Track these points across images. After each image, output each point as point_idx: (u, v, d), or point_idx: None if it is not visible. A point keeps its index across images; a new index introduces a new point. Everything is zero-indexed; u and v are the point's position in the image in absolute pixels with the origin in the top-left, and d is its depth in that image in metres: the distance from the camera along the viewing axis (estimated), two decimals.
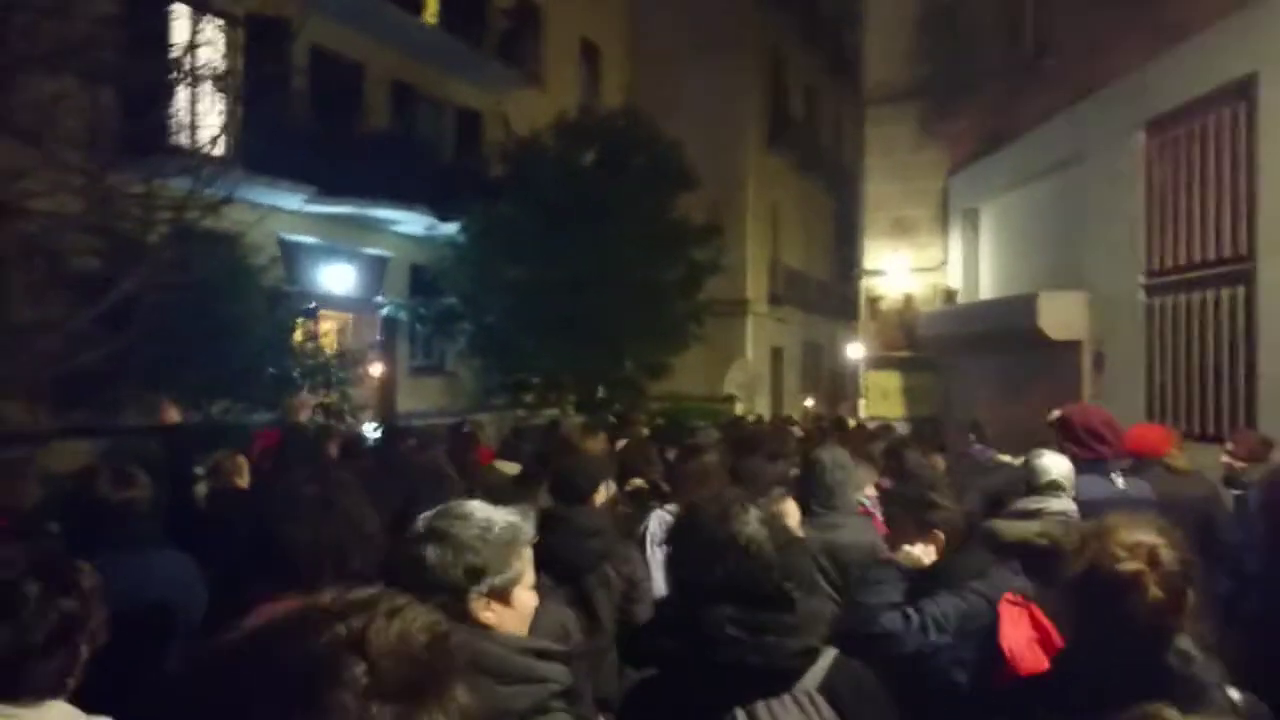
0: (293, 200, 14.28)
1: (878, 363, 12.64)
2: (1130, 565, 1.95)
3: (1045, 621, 2.47)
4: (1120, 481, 4.19)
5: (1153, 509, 3.41)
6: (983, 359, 10.76)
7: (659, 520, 4.60)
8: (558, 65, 22.05)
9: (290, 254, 14.79)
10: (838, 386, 33.76)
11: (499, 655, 1.88)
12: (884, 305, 12.54)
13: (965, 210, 11.91)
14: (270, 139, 13.69)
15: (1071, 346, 8.82)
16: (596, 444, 7.37)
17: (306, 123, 14.63)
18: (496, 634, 1.95)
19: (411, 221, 16.34)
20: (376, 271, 16.60)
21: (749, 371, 25.78)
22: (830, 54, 30.49)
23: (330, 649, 0.87)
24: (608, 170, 16.59)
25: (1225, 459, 5.53)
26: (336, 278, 15.54)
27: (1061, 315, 8.71)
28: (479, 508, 2.06)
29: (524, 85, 19.94)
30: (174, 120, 11.92)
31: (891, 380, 12.51)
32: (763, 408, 25.78)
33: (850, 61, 32.07)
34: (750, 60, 25.55)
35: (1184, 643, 2.03)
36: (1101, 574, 1.97)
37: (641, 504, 5.21)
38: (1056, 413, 4.59)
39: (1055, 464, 3.95)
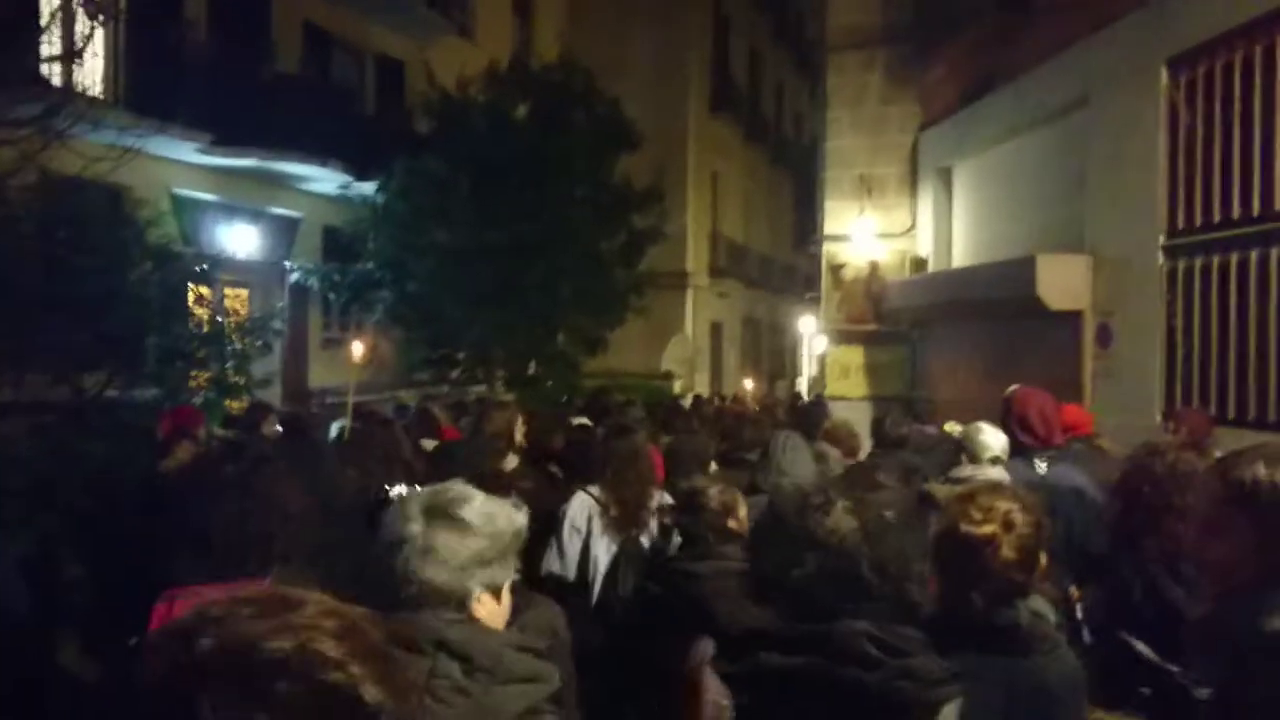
0: (185, 149, 12.65)
1: (839, 337, 11.54)
2: (985, 528, 2.15)
3: None
4: (1043, 467, 4.26)
5: (1069, 494, 3.96)
6: (962, 333, 9.72)
7: (580, 503, 4.36)
8: (488, 16, 20.54)
9: (185, 211, 13.18)
10: (778, 364, 32.96)
11: (497, 652, 1.77)
12: (847, 274, 11.41)
13: (938, 169, 10.84)
14: (159, 78, 12.09)
15: (1070, 317, 7.79)
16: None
17: (203, 63, 12.99)
18: (495, 630, 1.89)
19: (324, 178, 14.78)
20: (285, 233, 15.00)
21: (688, 347, 24.76)
22: (776, 16, 29.43)
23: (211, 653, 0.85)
24: (544, 126, 15.24)
25: (1170, 439, 4.79)
26: (239, 239, 13.94)
27: (1062, 281, 7.66)
28: (478, 495, 1.95)
29: (451, 34, 18.39)
30: (38, 49, 10.28)
31: (854, 356, 11.43)
32: (701, 385, 24.80)
33: (796, 24, 31.29)
34: (693, 18, 24.28)
35: (1037, 602, 2.27)
36: (958, 535, 2.16)
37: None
38: (1011, 389, 4.62)
39: (995, 439, 4.20)
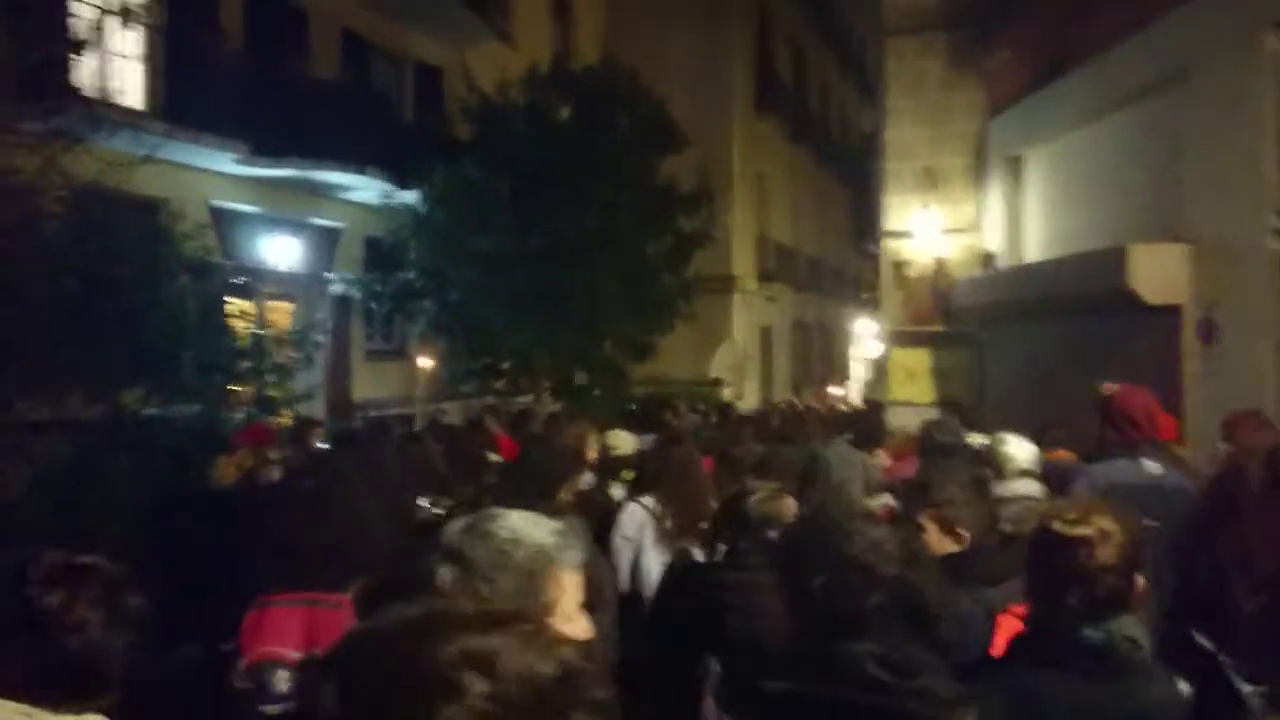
0: (222, 160, 12.38)
1: (903, 339, 10.93)
2: (1079, 529, 2.08)
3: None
4: (1155, 467, 4.04)
5: (1186, 497, 3.81)
6: (1038, 332, 9.06)
7: (631, 513, 4.33)
8: (526, 19, 20.17)
9: (223, 223, 12.90)
10: (830, 369, 32.25)
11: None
12: (910, 272, 10.80)
13: (1007, 158, 10.20)
14: (196, 88, 11.84)
15: (1165, 312, 7.14)
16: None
17: (240, 73, 12.73)
18: None
19: (365, 188, 14.45)
20: (326, 244, 14.70)
21: (738, 353, 24.18)
22: (820, 15, 28.82)
23: (454, 661, 0.90)
24: (586, 129, 14.79)
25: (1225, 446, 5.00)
26: (279, 251, 13.65)
27: (1158, 272, 7.01)
28: (508, 524, 1.83)
29: (490, 39, 18.04)
30: (78, 61, 10.09)
31: (919, 359, 10.81)
32: (751, 392, 24.23)
33: (840, 22, 30.63)
34: (736, 17, 23.74)
35: (1131, 629, 2.11)
36: (1050, 534, 2.11)
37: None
38: (1107, 387, 4.39)
39: (1021, 451, 4.02)
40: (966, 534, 3.01)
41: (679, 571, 3.83)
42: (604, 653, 3.11)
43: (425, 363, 14.41)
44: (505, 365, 15.70)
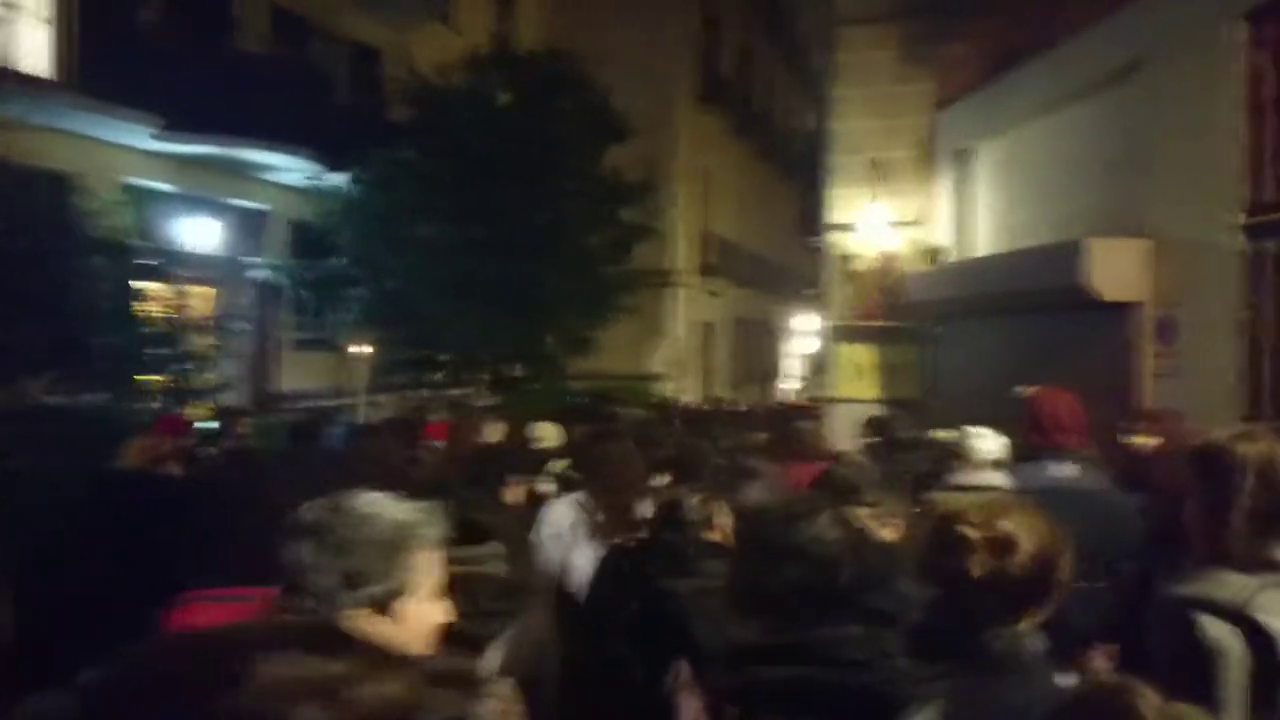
0: (138, 135, 11.67)
1: (850, 334, 10.67)
2: (969, 531, 1.98)
3: None
4: (1070, 470, 4.08)
5: (1104, 500, 3.87)
6: (991, 328, 8.84)
7: (559, 510, 4.22)
8: (469, 3, 19.58)
9: (139, 202, 12.14)
10: (771, 365, 32.13)
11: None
12: (858, 266, 10.54)
13: (957, 151, 9.98)
14: (113, 59, 11.12)
15: (1124, 310, 6.93)
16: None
17: (161, 43, 12.03)
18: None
19: (294, 169, 13.80)
20: (250, 227, 14.01)
21: (678, 349, 23.90)
22: (766, 8, 28.65)
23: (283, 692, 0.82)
24: (529, 115, 14.32)
25: (1138, 439, 5.20)
26: (200, 233, 12.96)
27: (1117, 269, 6.79)
28: (368, 501, 1.79)
29: (431, 21, 17.44)
30: None
31: (867, 355, 10.56)
32: (692, 388, 23.96)
33: (787, 17, 30.50)
34: (681, 8, 23.41)
35: (1027, 628, 2.04)
36: (942, 535, 2.04)
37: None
38: (1027, 390, 4.43)
39: (992, 443, 3.99)
40: (900, 524, 3.17)
41: (627, 578, 3.64)
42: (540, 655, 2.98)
43: (361, 352, 13.82)
44: (442, 357, 15.19)
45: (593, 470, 4.37)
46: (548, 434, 6.94)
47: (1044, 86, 8.34)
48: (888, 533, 3.14)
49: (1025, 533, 2.01)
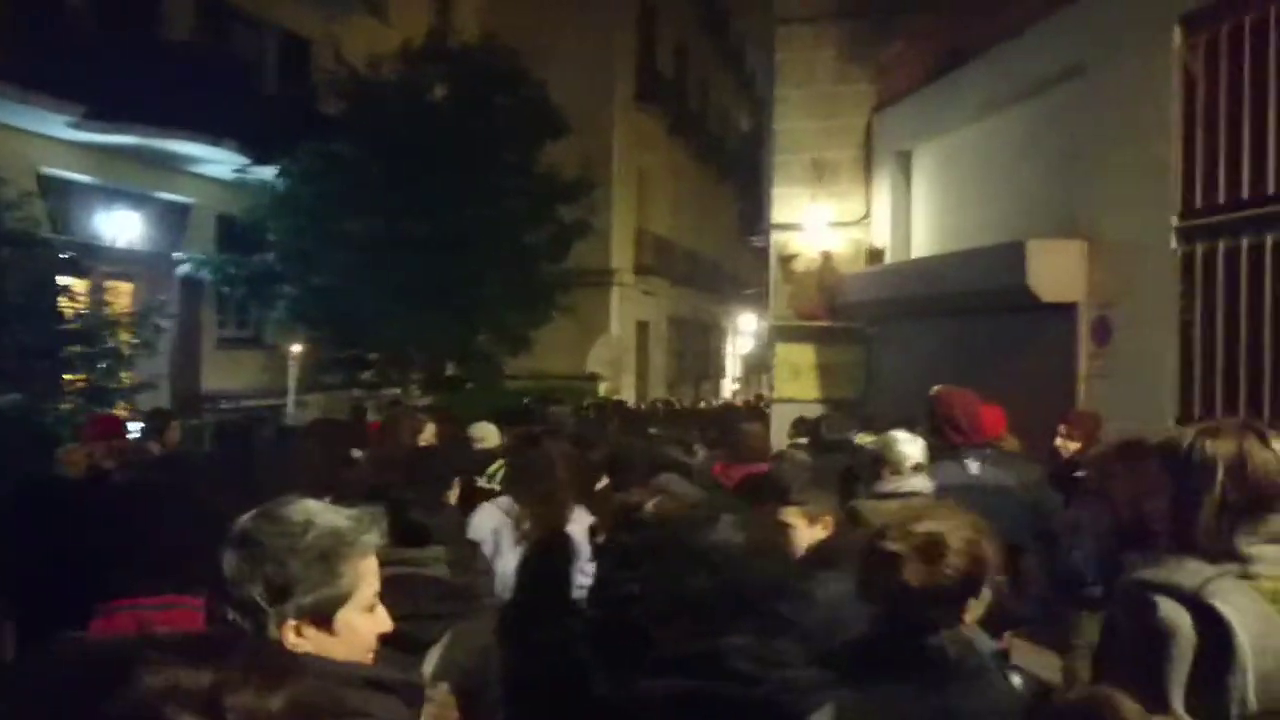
0: (54, 123, 11.17)
1: (789, 334, 10.65)
2: (898, 546, 2.05)
3: None
4: (974, 468, 4.25)
5: (1007, 495, 4.13)
6: (929, 329, 8.87)
7: (484, 514, 4.07)
8: None
9: (54, 193, 11.65)
10: (707, 364, 32.19)
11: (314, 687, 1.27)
12: (798, 266, 10.52)
13: (896, 153, 10.01)
14: (28, 43, 10.62)
15: (1063, 310, 6.98)
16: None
17: (81, 29, 11.53)
18: (311, 659, 1.55)
19: (219, 160, 13.37)
20: (174, 221, 13.52)
21: (615, 348, 23.78)
22: (703, 7, 28.67)
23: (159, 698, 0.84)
24: (464, 109, 14.08)
25: (1060, 441, 5.55)
26: (120, 226, 12.46)
27: (1055, 270, 6.84)
28: (301, 509, 1.70)
29: (362, 12, 17.05)
30: None
31: (806, 355, 10.55)
32: (628, 387, 23.87)
33: (723, 17, 30.56)
34: (622, 7, 23.33)
35: (970, 631, 2.12)
36: (873, 552, 2.10)
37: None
38: (935, 388, 4.58)
39: (914, 447, 3.99)
40: (831, 520, 3.21)
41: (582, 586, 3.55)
42: (483, 660, 2.97)
43: (290, 350, 13.44)
44: (373, 356, 14.87)
45: (520, 474, 4.28)
46: (488, 434, 6.81)
47: (983, 88, 8.39)
48: (818, 531, 3.18)
49: (951, 533, 2.08)
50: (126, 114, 11.59)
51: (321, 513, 1.72)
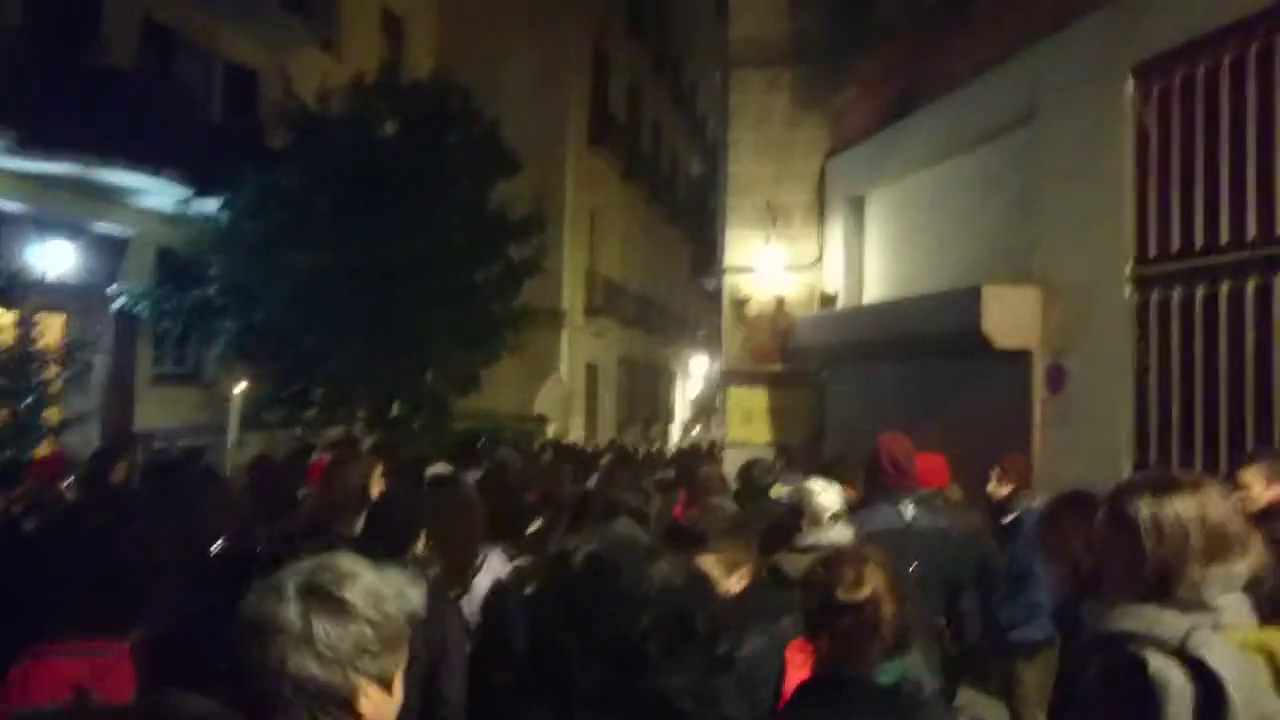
0: None
1: (742, 378, 10.55)
2: (858, 594, 2.25)
3: None
4: (910, 512, 4.33)
5: (942, 539, 4.30)
6: (882, 374, 8.82)
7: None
8: (354, 31, 19.08)
9: None
10: (656, 407, 32.05)
11: None
12: (751, 309, 10.45)
13: (849, 198, 10.03)
14: None
15: (1017, 356, 6.96)
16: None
17: (16, 53, 11.17)
18: None
19: (159, 192, 12.99)
20: (110, 253, 13.10)
21: (564, 389, 23.56)
22: (654, 52, 28.93)
23: None
24: (415, 145, 13.89)
25: (991, 486, 5.72)
26: (53, 258, 12.02)
27: (1010, 316, 6.82)
28: (362, 566, 1.66)
29: (313, 45, 16.87)
30: None
31: (758, 399, 10.45)
32: (576, 429, 23.63)
33: (674, 61, 30.86)
34: (574, 49, 23.39)
35: (916, 670, 2.47)
36: (834, 602, 2.25)
37: None
38: (879, 435, 4.68)
39: (831, 497, 4.04)
40: (749, 570, 3.23)
41: (517, 629, 3.56)
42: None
43: (230, 387, 13.03)
44: (317, 393, 14.48)
45: (431, 521, 4.04)
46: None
47: (936, 135, 8.43)
48: (734, 581, 3.16)
49: (872, 579, 2.28)
50: (63, 142, 11.22)
51: (380, 573, 1.69)
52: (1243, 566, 1.89)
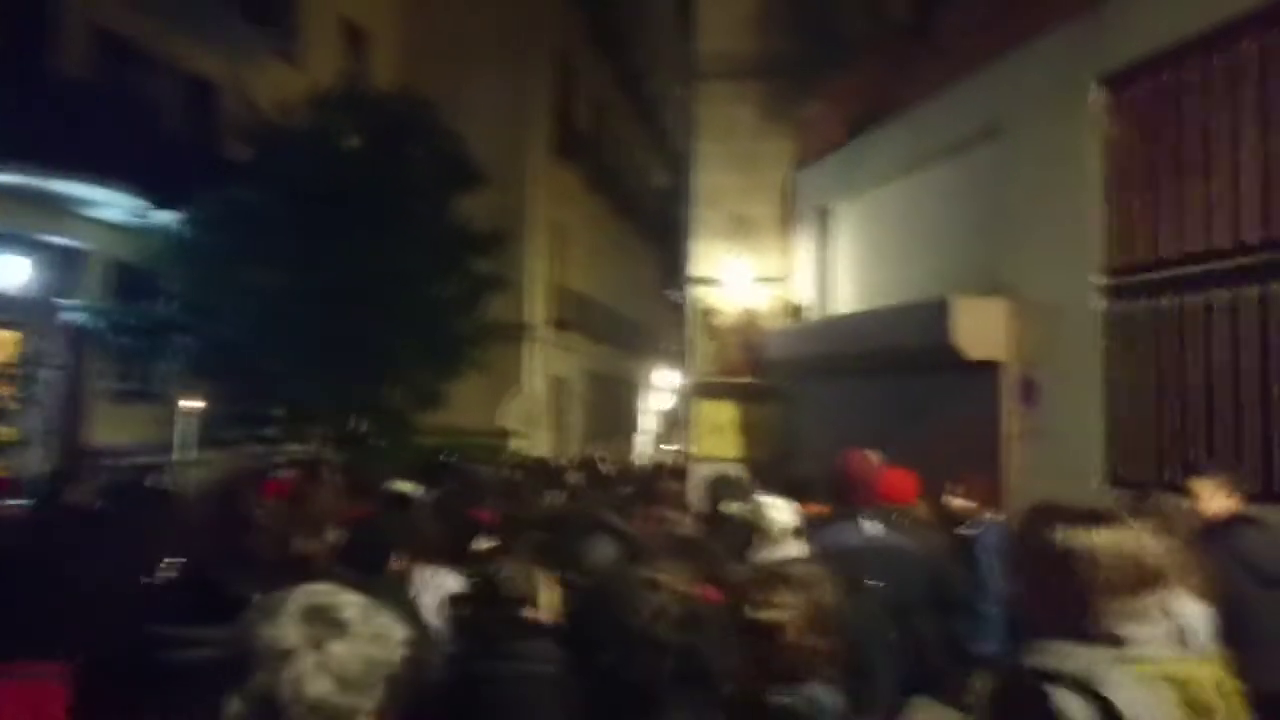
0: None
1: (710, 391, 10.46)
2: (766, 614, 2.35)
3: None
4: (870, 529, 4.37)
5: (900, 556, 4.31)
6: (856, 387, 8.75)
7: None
8: (316, 43, 18.85)
9: None
10: (624, 422, 31.88)
11: None
12: (719, 321, 10.37)
13: (816, 210, 10.00)
14: None
15: (987, 369, 6.92)
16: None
17: None
18: None
19: (115, 204, 12.70)
20: (64, 266, 12.77)
21: (530, 404, 23.36)
22: (619, 66, 28.92)
23: None
24: (378, 159, 13.70)
25: (957, 501, 5.80)
26: (3, 272, 11.70)
27: (983, 328, 6.78)
28: (352, 594, 1.62)
29: (274, 58, 16.64)
30: None
31: (726, 413, 10.35)
32: (543, 444, 23.43)
33: (639, 76, 30.86)
34: (539, 62, 23.30)
35: (818, 693, 2.39)
36: (743, 620, 2.36)
37: None
38: (842, 452, 4.74)
39: (785, 514, 4.08)
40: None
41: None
42: None
43: (188, 405, 12.74)
44: (278, 411, 14.21)
45: (406, 539, 4.20)
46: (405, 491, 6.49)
47: (903, 147, 8.41)
48: None
49: (784, 602, 2.34)
50: (13, 153, 10.93)
51: (380, 609, 1.66)
52: (1160, 599, 1.92)
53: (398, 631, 1.64)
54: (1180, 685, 1.93)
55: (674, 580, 2.37)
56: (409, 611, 3.71)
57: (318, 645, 1.52)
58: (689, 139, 11.01)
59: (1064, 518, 1.99)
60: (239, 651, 1.52)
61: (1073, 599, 1.90)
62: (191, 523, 5.23)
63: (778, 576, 2.55)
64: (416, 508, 4.63)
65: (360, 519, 4.75)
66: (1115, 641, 1.90)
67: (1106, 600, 1.90)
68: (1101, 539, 1.92)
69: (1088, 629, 1.89)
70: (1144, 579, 1.92)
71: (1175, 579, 1.99)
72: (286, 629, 1.52)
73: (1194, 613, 3.13)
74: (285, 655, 1.49)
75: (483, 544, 5.14)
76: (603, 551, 4.43)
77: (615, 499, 8.02)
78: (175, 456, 12.89)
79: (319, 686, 1.49)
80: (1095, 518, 1.97)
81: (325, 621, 1.54)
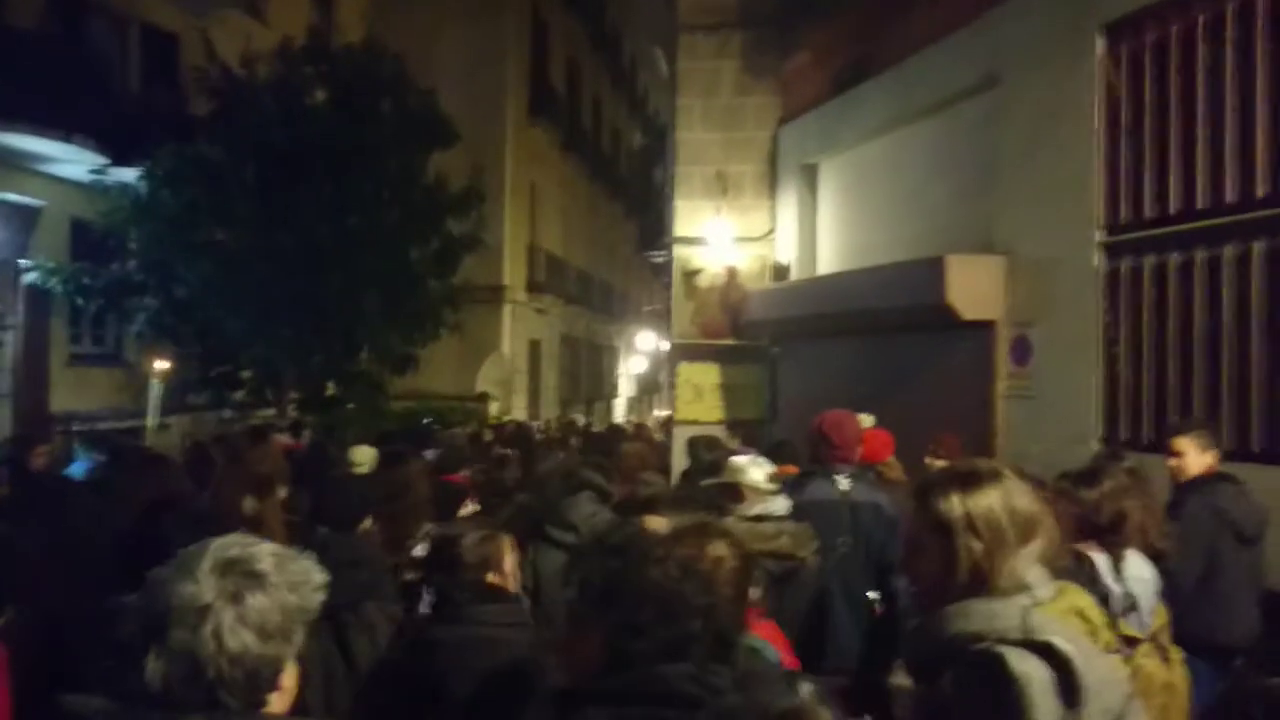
0: None
1: (691, 353, 10.22)
2: (672, 570, 2.12)
3: (783, 637, 2.96)
4: (845, 484, 4.42)
5: (876, 513, 4.37)
6: (844, 348, 8.53)
7: None
8: None
9: None
10: (599, 385, 31.68)
11: None
12: (702, 282, 10.12)
13: (801, 167, 9.72)
14: None
15: (981, 329, 6.71)
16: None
17: None
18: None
19: (72, 160, 12.22)
20: (19, 225, 12.28)
21: (505, 367, 23.07)
22: (594, 26, 28.38)
23: None
24: (345, 114, 13.26)
25: (938, 463, 5.36)
26: None
27: (976, 287, 6.56)
28: (265, 543, 1.61)
29: (237, 9, 16.06)
30: None
31: (709, 375, 10.13)
32: (519, 408, 23.19)
33: (613, 36, 30.32)
34: (510, 18, 22.74)
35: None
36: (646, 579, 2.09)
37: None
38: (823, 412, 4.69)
39: (761, 471, 4.15)
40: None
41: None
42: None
43: (152, 368, 12.37)
44: (245, 375, 13.86)
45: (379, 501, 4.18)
46: (364, 458, 6.31)
47: (893, 101, 8.14)
48: None
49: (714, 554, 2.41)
50: None
51: (286, 552, 1.63)
52: (1042, 540, 1.93)
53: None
54: (1078, 613, 1.98)
55: (689, 539, 2.44)
56: (383, 571, 3.68)
57: (236, 598, 1.49)
58: (669, 94, 10.66)
59: (942, 485, 1.98)
60: (155, 610, 1.49)
61: (979, 560, 1.89)
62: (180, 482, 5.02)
63: (714, 529, 2.57)
64: (407, 472, 4.61)
65: (338, 479, 4.68)
66: (1024, 590, 1.88)
67: (1012, 553, 1.88)
68: (975, 502, 1.92)
69: (997, 587, 1.87)
70: (1033, 526, 1.92)
71: (1049, 525, 1.96)
72: (202, 584, 1.48)
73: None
74: (203, 611, 1.46)
75: (466, 508, 5.01)
76: (585, 509, 4.31)
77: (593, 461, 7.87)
78: (140, 421, 12.53)
79: (240, 640, 1.47)
80: (973, 478, 1.96)
81: (241, 574, 1.51)
